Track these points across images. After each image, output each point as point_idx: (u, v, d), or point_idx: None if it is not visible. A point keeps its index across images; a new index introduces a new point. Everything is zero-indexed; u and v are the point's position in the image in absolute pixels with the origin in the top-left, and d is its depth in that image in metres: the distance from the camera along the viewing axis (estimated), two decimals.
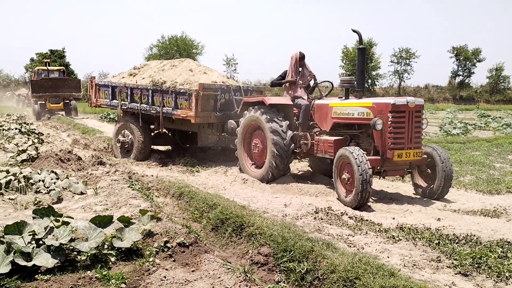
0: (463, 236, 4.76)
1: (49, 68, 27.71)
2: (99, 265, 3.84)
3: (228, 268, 3.70)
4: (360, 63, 7.09)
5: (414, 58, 54.00)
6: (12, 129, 14.97)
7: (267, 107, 7.80)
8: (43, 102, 24.46)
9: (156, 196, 6.62)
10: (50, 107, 24.65)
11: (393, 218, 5.62)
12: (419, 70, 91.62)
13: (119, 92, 10.48)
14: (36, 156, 8.97)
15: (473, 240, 4.64)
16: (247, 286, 3.48)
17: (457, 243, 4.59)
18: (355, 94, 7.31)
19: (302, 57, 8.15)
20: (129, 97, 10.23)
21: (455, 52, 52.82)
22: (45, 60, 30.96)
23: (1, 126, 16.26)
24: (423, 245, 4.53)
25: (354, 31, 7.00)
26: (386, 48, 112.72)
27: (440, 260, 4.13)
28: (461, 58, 52.71)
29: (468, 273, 3.84)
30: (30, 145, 10.24)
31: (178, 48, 52.13)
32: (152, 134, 10.74)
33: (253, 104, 8.14)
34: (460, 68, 53.50)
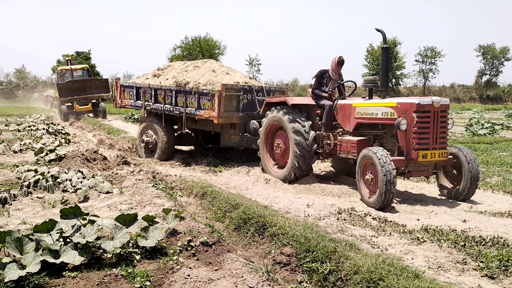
0: (490, 238, 4.66)
1: (72, 67, 26.61)
2: (124, 263, 3.91)
3: (251, 268, 3.72)
4: (384, 62, 7.02)
5: (439, 57, 53.17)
6: (40, 130, 15.36)
7: (289, 107, 7.80)
8: (71, 104, 23.99)
9: (179, 195, 6.70)
10: (78, 109, 24.11)
11: (418, 219, 5.54)
12: (445, 69, 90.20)
13: (143, 93, 10.64)
14: (63, 156, 9.18)
15: (500, 243, 4.54)
16: (269, 286, 3.49)
17: (483, 245, 4.51)
18: (378, 94, 7.23)
19: (340, 61, 7.99)
20: (153, 98, 10.37)
21: (482, 50, 51.70)
22: (67, 58, 28.74)
23: (29, 126, 16.71)
24: (448, 247, 4.45)
25: (378, 30, 6.94)
26: (411, 47, 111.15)
27: (466, 262, 4.06)
28: (488, 57, 51.57)
29: (494, 276, 3.77)
30: (57, 145, 10.46)
31: (201, 49, 52.50)
32: (176, 134, 10.86)
33: (276, 105, 8.15)
34: (487, 67, 52.36)
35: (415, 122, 6.17)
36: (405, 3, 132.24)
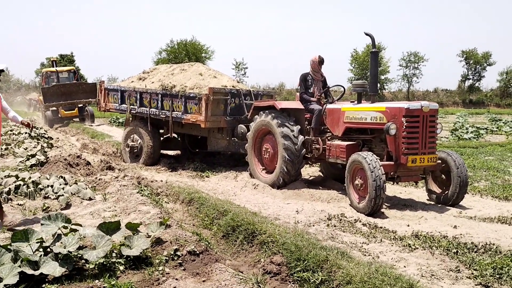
0: (482, 245, 4.60)
1: (58, 69, 25.03)
2: (108, 274, 3.74)
3: (240, 279, 3.59)
4: (373, 66, 6.96)
5: (422, 62, 53.56)
6: (22, 133, 15.02)
7: (278, 112, 7.69)
8: (56, 109, 22.58)
9: (165, 202, 6.53)
10: (64, 114, 22.64)
11: (408, 225, 5.47)
12: (428, 74, 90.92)
13: (128, 97, 10.44)
14: (45, 161, 8.94)
15: (492, 249, 4.48)
16: None
17: (476, 252, 4.44)
18: (367, 98, 7.17)
19: (321, 61, 8.02)
20: (138, 102, 10.18)
21: (465, 56, 52.32)
22: (52, 59, 26.16)
23: (11, 130, 16.33)
24: (440, 254, 4.38)
25: (367, 34, 6.88)
26: (395, 52, 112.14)
27: (459, 270, 3.98)
28: (470, 62, 52.20)
29: (489, 284, 3.69)
30: (39, 150, 10.20)
31: (187, 53, 52.12)
32: (162, 138, 10.68)
33: (264, 109, 8.04)
34: (470, 72, 52.98)
35: (404, 126, 6.12)
36: (388, 9, 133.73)
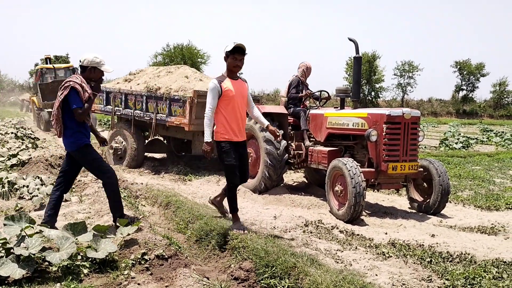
0: (457, 254, 4.53)
1: (56, 66, 22.11)
2: (71, 277, 3.64)
3: (204, 284, 3.49)
4: (356, 72, 6.91)
5: (417, 71, 53.79)
6: (9, 134, 14.86)
7: None
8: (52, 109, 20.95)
9: (143, 205, 6.41)
10: None
11: (386, 233, 5.39)
12: (423, 84, 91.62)
13: (113, 98, 10.33)
14: (26, 161, 8.80)
15: (467, 259, 4.41)
16: None
17: (450, 261, 4.36)
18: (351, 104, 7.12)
19: (309, 68, 8.03)
20: (123, 103, 10.07)
21: (458, 66, 52.58)
22: (46, 56, 22.66)
23: None
24: (414, 262, 4.29)
25: (350, 40, 6.83)
26: (390, 61, 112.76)
27: (431, 279, 3.89)
28: (464, 73, 52.45)
29: None
30: (21, 150, 10.06)
31: (183, 57, 52.02)
32: (146, 141, 10.56)
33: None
34: (463, 83, 53.22)
35: (385, 133, 6.06)
36: (384, 18, 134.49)
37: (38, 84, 20.03)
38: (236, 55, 4.67)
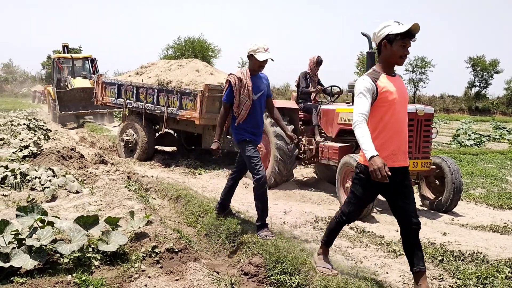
0: (469, 254, 4.48)
1: (73, 55, 20.64)
2: (82, 269, 3.66)
3: (214, 279, 3.49)
4: (369, 67, 6.81)
5: (429, 67, 53.29)
6: (21, 125, 14.99)
7: None
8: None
9: (153, 198, 6.44)
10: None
11: (397, 231, 5.31)
12: (435, 80, 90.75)
13: (125, 91, 10.36)
14: (38, 152, 8.87)
15: (479, 258, 4.36)
16: None
17: (462, 260, 4.32)
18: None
19: (319, 61, 7.96)
20: (134, 96, 10.09)
21: (472, 62, 51.96)
22: (64, 44, 20.75)
23: (11, 121, 16.31)
24: (425, 261, 4.25)
25: (364, 34, 6.76)
26: None
27: (442, 278, 3.86)
28: (477, 69, 51.84)
29: None
30: (33, 141, 10.14)
31: (194, 50, 52.00)
32: (157, 134, 10.59)
33: None
34: (476, 79, 52.62)
35: None
36: (396, 13, 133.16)
37: (57, 92, 18.40)
38: (406, 40, 3.31)
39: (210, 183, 7.88)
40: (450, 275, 3.93)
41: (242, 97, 4.64)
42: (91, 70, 19.76)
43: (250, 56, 4.63)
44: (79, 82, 18.66)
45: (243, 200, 6.60)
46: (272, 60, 4.65)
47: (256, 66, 4.66)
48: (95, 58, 20.25)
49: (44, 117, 22.44)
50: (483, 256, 4.43)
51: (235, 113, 4.76)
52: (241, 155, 4.97)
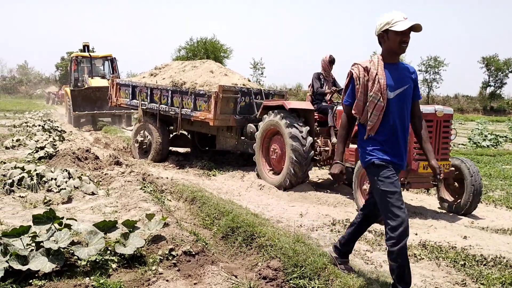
0: (492, 258, 4.38)
1: (92, 54, 20.16)
2: (99, 272, 3.64)
3: (233, 283, 3.45)
4: None
5: (443, 66, 52.79)
6: (36, 126, 15.13)
7: (287, 112, 7.52)
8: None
9: (168, 199, 6.42)
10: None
11: (416, 234, 5.25)
12: (449, 79, 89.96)
13: (139, 92, 10.39)
14: (53, 153, 8.93)
15: (502, 263, 4.26)
16: None
17: (484, 265, 4.22)
18: None
19: (332, 60, 7.90)
20: (148, 97, 10.11)
21: (485, 62, 51.32)
22: (84, 43, 20.14)
23: (26, 122, 16.49)
24: (447, 265, 4.17)
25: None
26: (415, 56, 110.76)
27: (465, 283, 3.77)
28: (492, 69, 51.19)
29: None
30: (48, 143, 10.22)
31: (206, 51, 52.14)
32: (171, 135, 10.60)
33: (273, 108, 7.88)
34: (491, 79, 51.96)
35: None
36: (409, 12, 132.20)
37: (71, 91, 18.28)
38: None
39: (224, 184, 7.85)
40: (473, 280, 3.84)
41: (372, 96, 3.20)
42: (111, 70, 19.39)
43: (384, 34, 3.19)
44: (96, 82, 18.39)
45: (259, 202, 6.56)
46: (421, 29, 3.18)
47: (396, 43, 3.15)
48: (115, 58, 19.76)
49: (58, 118, 22.67)
50: (506, 260, 4.32)
51: (361, 120, 3.34)
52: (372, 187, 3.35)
